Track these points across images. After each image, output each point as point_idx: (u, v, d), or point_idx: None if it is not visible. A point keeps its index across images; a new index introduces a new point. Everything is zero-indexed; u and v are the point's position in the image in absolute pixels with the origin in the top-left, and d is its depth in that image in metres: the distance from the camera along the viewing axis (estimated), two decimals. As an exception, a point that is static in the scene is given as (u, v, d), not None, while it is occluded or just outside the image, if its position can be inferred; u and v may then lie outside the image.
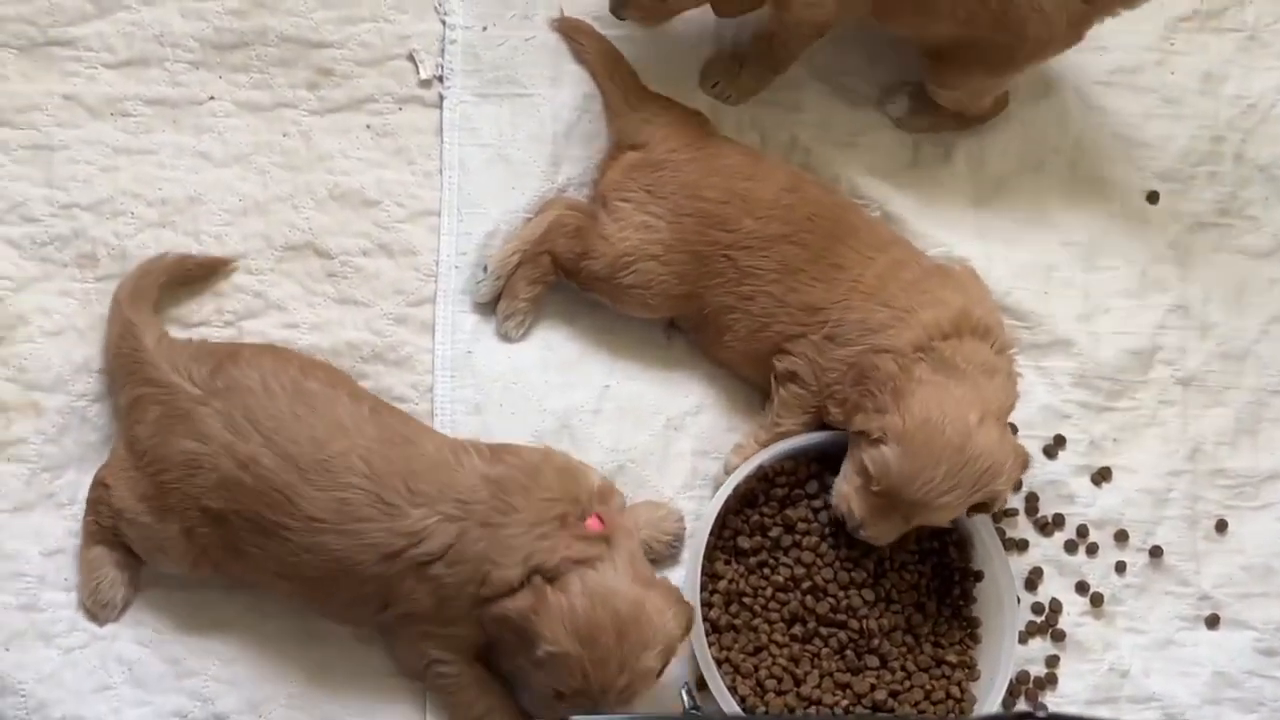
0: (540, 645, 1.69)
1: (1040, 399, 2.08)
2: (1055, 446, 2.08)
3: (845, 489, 1.86)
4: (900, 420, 1.78)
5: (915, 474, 1.78)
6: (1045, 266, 2.13)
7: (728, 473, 1.95)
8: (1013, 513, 2.05)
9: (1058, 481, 2.07)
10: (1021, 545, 2.05)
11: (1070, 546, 2.06)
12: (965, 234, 2.12)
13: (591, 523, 1.76)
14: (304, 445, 1.75)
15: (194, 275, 1.97)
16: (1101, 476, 2.08)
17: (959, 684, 1.92)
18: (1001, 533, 2.00)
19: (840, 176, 2.10)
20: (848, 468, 1.87)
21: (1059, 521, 2.06)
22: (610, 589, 1.70)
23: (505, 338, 2.01)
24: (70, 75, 2.00)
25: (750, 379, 2.02)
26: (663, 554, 1.96)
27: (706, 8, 1.96)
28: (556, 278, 1.99)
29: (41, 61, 2.00)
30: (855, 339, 1.89)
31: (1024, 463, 1.86)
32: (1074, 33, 2.00)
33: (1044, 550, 2.06)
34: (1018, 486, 2.05)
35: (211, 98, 2.02)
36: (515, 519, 1.74)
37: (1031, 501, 2.06)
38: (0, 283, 1.92)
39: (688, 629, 1.76)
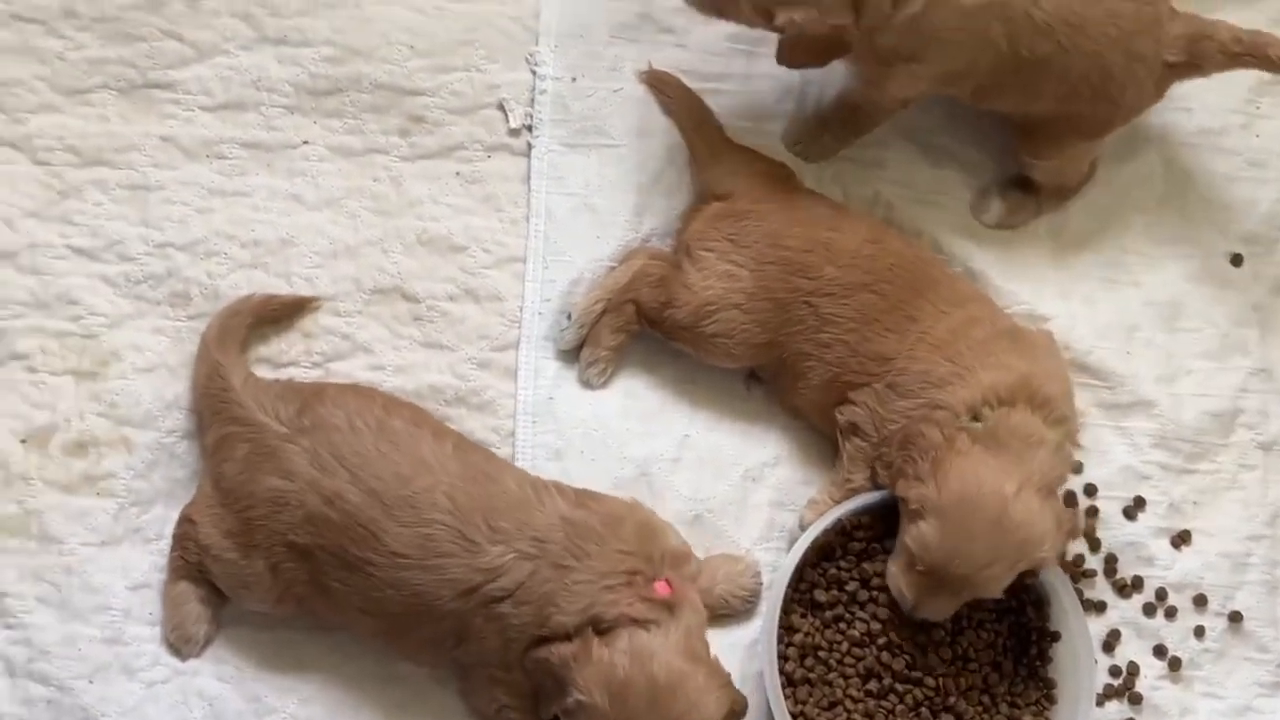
0: (572, 693, 1.69)
1: (1120, 460, 2.08)
2: (1135, 508, 2.07)
3: (894, 570, 1.86)
4: (936, 493, 1.79)
5: (954, 550, 1.78)
6: (1127, 327, 2.13)
7: (802, 528, 1.95)
8: (1091, 574, 2.04)
9: (1137, 543, 2.05)
10: (1100, 607, 2.03)
11: (1149, 609, 2.04)
12: (1048, 293, 2.12)
13: (660, 587, 1.76)
14: (389, 481, 1.77)
15: (280, 315, 2.00)
16: (1181, 539, 2.07)
17: (1034, 745, 1.91)
18: (1080, 593, 1.98)
19: (923, 233, 2.11)
20: (897, 547, 1.86)
21: (1138, 584, 2.04)
22: (654, 655, 1.69)
23: (587, 385, 2.03)
24: (168, 117, 2.04)
25: (824, 429, 2.02)
26: (738, 609, 1.96)
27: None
28: (640, 326, 2.01)
29: (141, 103, 2.04)
30: (915, 390, 1.90)
31: (1071, 531, 1.86)
32: (1158, 93, 2.04)
33: (1122, 612, 2.04)
34: (1095, 546, 2.04)
35: (305, 142, 2.06)
36: (586, 565, 1.74)
37: (1110, 563, 2.05)
38: (95, 319, 1.96)
39: (732, 716, 1.74)
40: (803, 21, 1.80)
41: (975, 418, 1.85)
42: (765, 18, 1.84)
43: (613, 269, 2.05)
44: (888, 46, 1.88)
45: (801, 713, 1.87)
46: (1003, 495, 1.77)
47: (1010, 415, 1.84)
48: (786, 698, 1.86)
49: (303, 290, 2.01)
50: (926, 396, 1.89)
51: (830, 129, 2.10)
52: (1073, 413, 1.91)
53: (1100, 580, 2.05)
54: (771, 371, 2.02)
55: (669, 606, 1.74)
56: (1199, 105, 2.20)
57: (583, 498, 1.82)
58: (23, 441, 1.92)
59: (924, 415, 1.87)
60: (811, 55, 1.87)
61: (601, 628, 1.72)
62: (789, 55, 1.88)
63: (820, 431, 2.03)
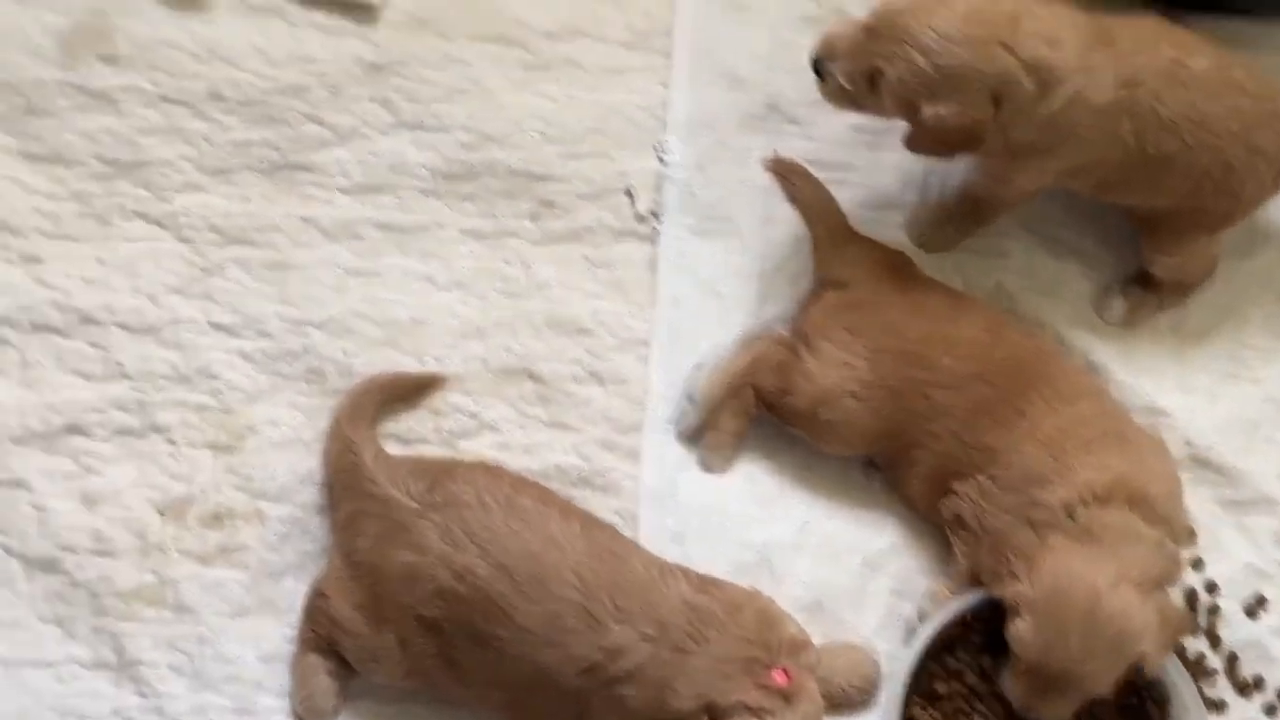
0: None
1: (1242, 557, 2.06)
2: (1256, 606, 2.05)
3: (1005, 673, 1.85)
4: (1029, 589, 1.79)
5: (1049, 646, 1.77)
6: (1248, 422, 2.12)
7: (921, 619, 1.95)
8: (1212, 672, 2.02)
9: (1258, 642, 2.03)
10: (1220, 706, 2.01)
11: (1270, 709, 2.02)
12: (1168, 386, 2.12)
13: (778, 675, 1.76)
14: (518, 557, 1.79)
15: (409, 392, 2.04)
16: (1303, 639, 2.06)
17: (1153, 846, 1.89)
18: (1200, 692, 1.97)
19: (1044, 325, 2.13)
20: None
21: (1259, 683, 2.02)
22: None
23: (708, 469, 2.05)
24: (308, 198, 2.10)
25: (935, 521, 2.02)
26: (857, 700, 1.95)
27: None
28: (758, 411, 2.03)
29: (283, 184, 2.11)
30: (1017, 486, 1.90)
31: (1178, 628, 1.84)
32: (1277, 186, 2.07)
33: (1243, 712, 2.01)
34: (1216, 644, 2.03)
35: (439, 224, 2.11)
36: (705, 650, 1.75)
37: (1231, 662, 2.03)
38: (234, 394, 2.01)
39: None
40: (946, 115, 1.84)
41: (1071, 516, 1.85)
42: (909, 110, 1.87)
43: (735, 354, 2.07)
44: (1024, 141, 1.91)
45: (921, 804, 1.87)
46: (1095, 588, 1.76)
47: (1105, 513, 1.84)
48: (907, 789, 1.86)
49: (433, 369, 2.05)
50: (1026, 494, 1.89)
51: (953, 220, 2.13)
52: (1178, 513, 1.90)
53: (1221, 679, 2.02)
54: (885, 460, 2.04)
55: (786, 696, 1.75)
56: (1322, 202, 2.21)
57: (705, 583, 1.83)
58: (161, 512, 1.96)
59: (1021, 514, 1.88)
60: (945, 146, 1.91)
61: (717, 714, 1.73)
62: (921, 144, 1.92)
63: (930, 521, 2.04)
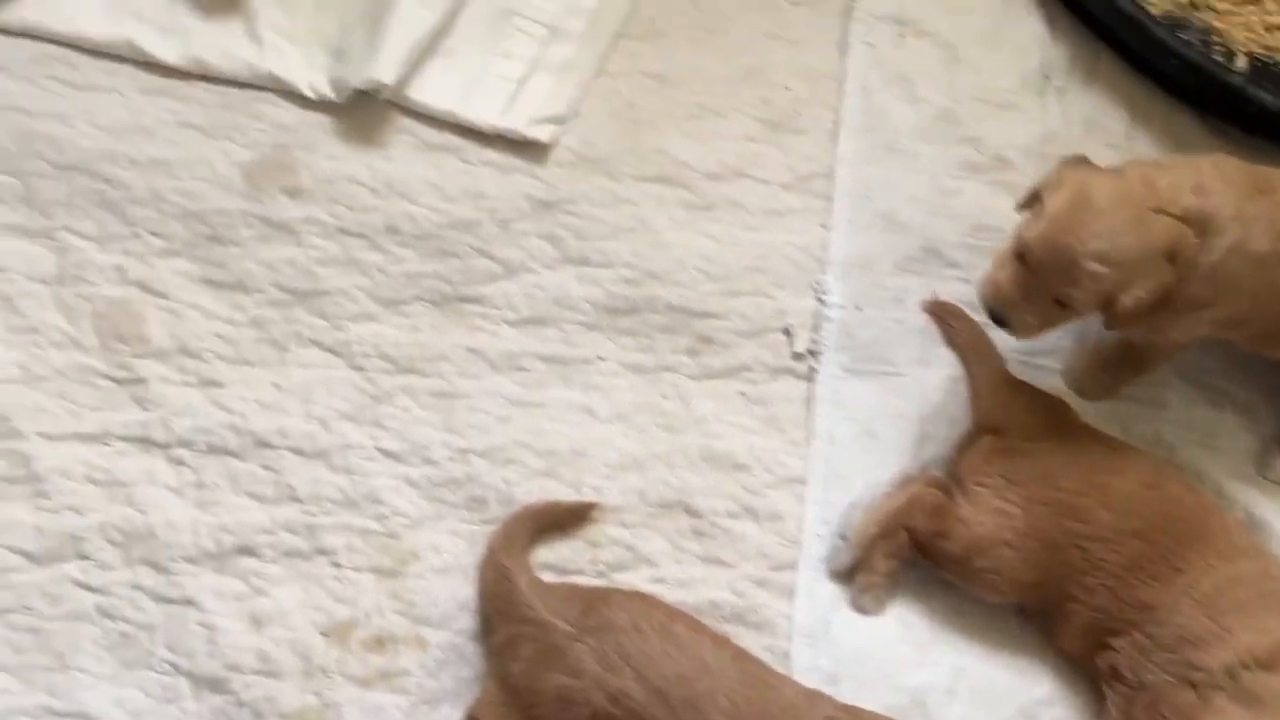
0: None
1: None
2: None
3: None
4: None
5: None
6: None
7: (1074, 772, 1.93)
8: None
9: None
10: None
11: None
12: (1331, 543, 2.09)
13: None
14: (672, 683, 1.79)
15: (563, 522, 2.07)
16: None
17: None
18: None
19: (1204, 476, 2.11)
20: None
21: None
22: None
23: (861, 610, 2.05)
24: (476, 330, 2.16)
25: (1090, 673, 2.00)
26: None
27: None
28: (911, 554, 2.03)
29: (452, 315, 2.17)
30: (1173, 645, 1.88)
31: None
32: None
33: None
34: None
35: (600, 358, 2.16)
36: None
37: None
38: (398, 520, 2.05)
39: None
40: (1144, 295, 1.86)
41: (1233, 679, 1.82)
42: (1108, 304, 1.90)
43: (889, 494, 2.08)
44: (1188, 294, 1.91)
45: None
46: None
47: (1270, 679, 1.81)
48: None
49: (591, 499, 2.08)
50: (1183, 654, 1.87)
51: (1110, 368, 2.13)
52: None
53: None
54: (1038, 609, 2.02)
55: None
56: None
57: (851, 708, 1.83)
58: (324, 635, 1.99)
59: (1179, 674, 1.86)
60: (1145, 316, 1.92)
61: None
62: (1124, 324, 1.93)
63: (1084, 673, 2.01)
